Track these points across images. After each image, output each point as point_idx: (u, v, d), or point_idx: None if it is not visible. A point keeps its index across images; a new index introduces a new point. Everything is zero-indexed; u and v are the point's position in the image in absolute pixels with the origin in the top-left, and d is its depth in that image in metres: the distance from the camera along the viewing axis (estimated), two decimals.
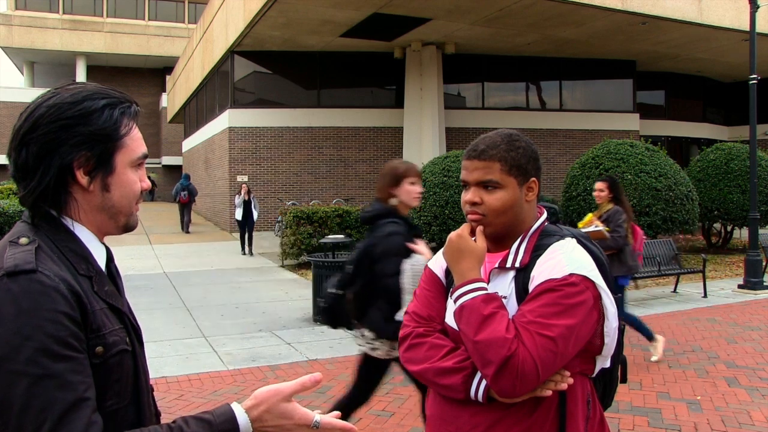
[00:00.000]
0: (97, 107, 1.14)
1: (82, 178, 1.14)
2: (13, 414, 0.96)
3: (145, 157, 1.24)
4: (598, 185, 5.93)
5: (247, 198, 14.74)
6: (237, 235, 15.68)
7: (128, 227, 1.24)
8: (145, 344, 1.30)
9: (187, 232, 19.15)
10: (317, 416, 1.14)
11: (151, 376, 1.30)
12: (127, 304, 1.27)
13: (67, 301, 1.03)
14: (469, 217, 1.58)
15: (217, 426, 1.06)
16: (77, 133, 1.12)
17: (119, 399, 1.10)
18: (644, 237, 6.10)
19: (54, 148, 1.11)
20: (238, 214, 14.77)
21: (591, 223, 5.67)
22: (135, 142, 1.20)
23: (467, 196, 1.59)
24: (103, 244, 1.23)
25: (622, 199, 5.83)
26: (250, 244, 14.72)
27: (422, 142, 17.08)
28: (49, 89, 1.18)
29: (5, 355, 0.97)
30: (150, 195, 32.51)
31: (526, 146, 1.60)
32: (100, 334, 1.08)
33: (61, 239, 1.13)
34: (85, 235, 1.17)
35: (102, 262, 1.20)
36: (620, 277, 5.64)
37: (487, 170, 1.56)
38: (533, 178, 1.60)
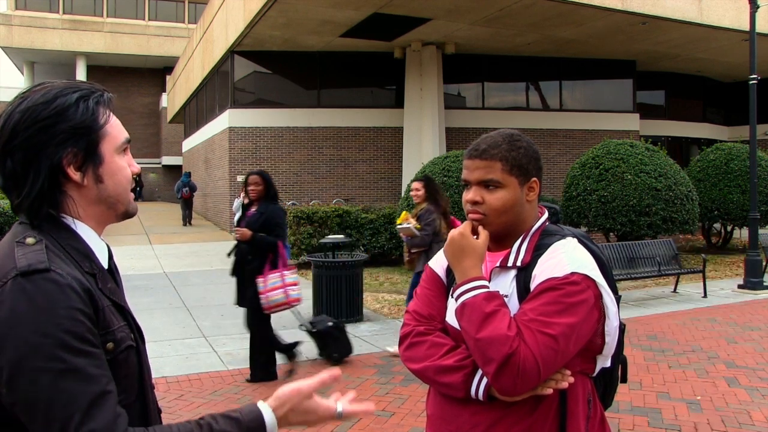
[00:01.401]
0: (71, 102, 1.13)
1: (75, 175, 1.13)
2: (40, 410, 0.97)
3: (128, 141, 1.23)
4: (415, 185, 6.13)
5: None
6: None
7: (128, 214, 1.24)
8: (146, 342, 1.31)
9: (189, 224, 21.02)
10: (339, 406, 1.18)
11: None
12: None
13: (81, 298, 1.03)
14: (470, 216, 1.59)
15: (246, 424, 1.09)
16: (58, 131, 1.11)
17: (127, 395, 1.10)
18: None
19: (39, 151, 1.10)
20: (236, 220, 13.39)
21: (406, 221, 5.93)
22: (115, 129, 1.20)
23: (468, 195, 1.59)
24: (103, 240, 1.23)
25: (436, 198, 6.01)
26: None
27: (422, 142, 17.08)
28: (17, 94, 1.17)
29: (26, 354, 0.98)
30: (138, 195, 32.35)
31: (528, 146, 1.60)
32: (110, 330, 1.09)
33: (63, 238, 1.13)
34: (85, 232, 1.17)
35: (104, 259, 1.20)
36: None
37: (488, 169, 1.56)
38: (534, 178, 1.60)
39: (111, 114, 1.20)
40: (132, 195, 1.24)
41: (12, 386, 0.98)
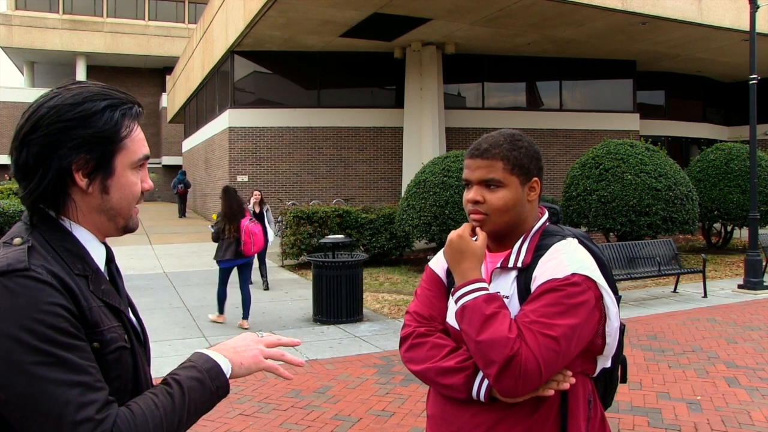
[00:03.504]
0: (98, 109, 1.14)
1: (81, 181, 1.14)
2: (33, 403, 0.98)
3: (147, 158, 1.23)
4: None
5: (258, 210, 10.30)
6: None
7: (128, 229, 1.24)
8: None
9: (184, 216, 23.42)
10: (262, 334, 1.33)
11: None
12: (129, 302, 1.28)
13: (62, 294, 1.04)
14: (472, 216, 1.58)
15: (200, 365, 1.18)
16: (76, 135, 1.12)
17: (119, 396, 1.10)
18: (254, 232, 7.61)
19: (53, 150, 1.11)
20: None
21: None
22: (136, 144, 1.20)
23: (469, 194, 1.59)
24: (104, 243, 1.23)
25: (223, 204, 7.66)
26: (263, 275, 10.50)
27: (422, 142, 17.08)
28: (52, 88, 1.18)
29: (12, 349, 0.98)
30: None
31: (529, 146, 1.61)
32: (97, 330, 1.09)
33: (56, 239, 1.13)
34: (82, 234, 1.17)
35: (101, 262, 1.20)
36: (220, 261, 7.66)
37: (489, 169, 1.56)
38: (535, 178, 1.60)
39: (136, 128, 1.21)
40: (136, 209, 1.24)
41: (2, 383, 0.98)
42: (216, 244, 7.82)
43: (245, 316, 7.65)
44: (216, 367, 1.18)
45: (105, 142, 1.14)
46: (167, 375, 1.16)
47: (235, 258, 7.61)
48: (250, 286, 8.05)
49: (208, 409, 1.18)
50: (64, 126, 1.11)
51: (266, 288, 10.27)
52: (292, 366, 1.32)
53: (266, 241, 9.91)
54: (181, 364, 1.19)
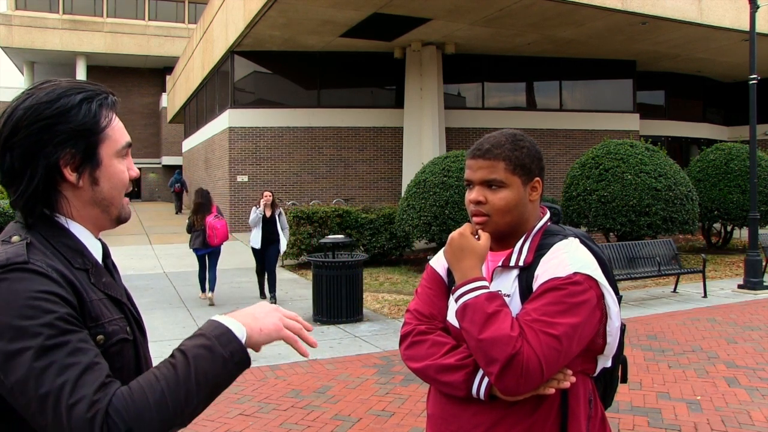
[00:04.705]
0: (74, 103, 1.14)
1: (71, 176, 1.14)
2: (32, 387, 0.98)
3: (129, 145, 1.24)
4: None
5: (269, 213, 9.13)
6: (237, 235, 14.15)
7: (121, 219, 1.24)
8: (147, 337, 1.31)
9: (181, 213, 24.86)
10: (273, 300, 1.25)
11: None
12: (128, 295, 1.28)
13: (62, 286, 1.05)
14: (474, 219, 1.58)
15: (210, 333, 1.10)
16: (58, 131, 1.12)
17: None
18: (216, 227, 8.91)
19: (38, 149, 1.11)
20: (255, 238, 9.11)
21: None
22: (117, 132, 1.21)
23: (471, 195, 1.59)
24: (99, 239, 1.24)
25: (195, 200, 9.27)
26: (272, 289, 9.15)
27: (422, 142, 17.08)
28: (24, 90, 1.18)
29: (12, 338, 0.99)
30: (136, 195, 34.47)
31: (530, 146, 1.61)
32: (100, 323, 1.10)
33: (54, 235, 1.14)
34: (78, 230, 1.18)
35: (98, 257, 1.21)
36: (194, 249, 9.17)
37: (491, 169, 1.56)
38: (537, 178, 1.60)
39: (114, 117, 1.21)
40: (126, 199, 1.24)
41: (5, 371, 0.99)
42: (190, 235, 9.28)
43: (211, 289, 9.14)
44: (227, 333, 1.09)
45: (87, 134, 1.15)
46: (175, 348, 1.11)
47: (204, 247, 9.05)
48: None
49: (226, 380, 1.09)
50: (44, 124, 1.11)
51: (273, 300, 9.05)
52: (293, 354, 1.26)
53: (277, 250, 9.17)
54: (192, 333, 1.14)
